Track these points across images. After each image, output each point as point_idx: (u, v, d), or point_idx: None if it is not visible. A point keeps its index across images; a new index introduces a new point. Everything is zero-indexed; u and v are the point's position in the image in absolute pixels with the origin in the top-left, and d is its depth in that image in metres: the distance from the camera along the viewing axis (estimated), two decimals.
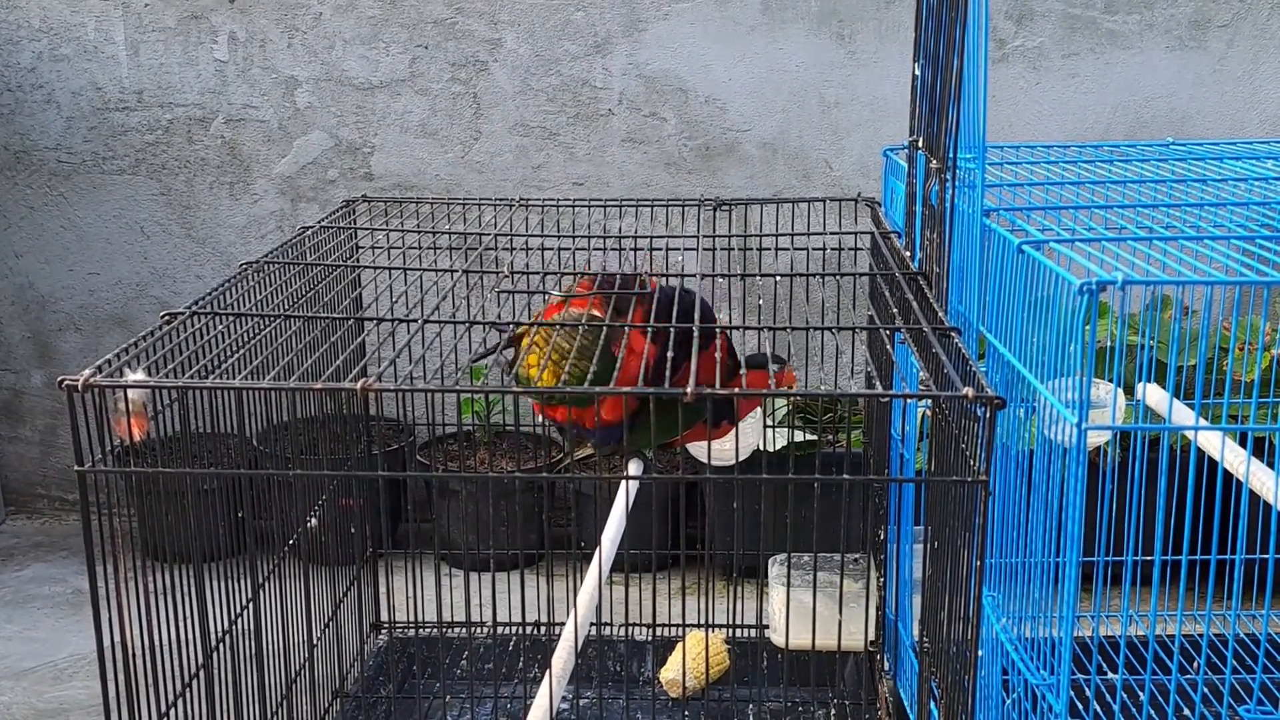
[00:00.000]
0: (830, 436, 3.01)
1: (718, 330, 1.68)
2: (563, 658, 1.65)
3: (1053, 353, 1.51)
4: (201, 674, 1.62)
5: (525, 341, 1.90)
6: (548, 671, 1.57)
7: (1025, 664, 1.57)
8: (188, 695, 1.59)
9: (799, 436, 2.84)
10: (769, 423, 2.72)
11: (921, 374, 1.68)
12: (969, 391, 1.38)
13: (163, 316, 1.57)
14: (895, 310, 1.70)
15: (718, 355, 1.78)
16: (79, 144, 3.07)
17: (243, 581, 1.63)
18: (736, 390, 1.43)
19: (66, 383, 1.36)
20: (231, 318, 1.60)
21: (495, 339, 1.63)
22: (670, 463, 3.05)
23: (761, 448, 2.37)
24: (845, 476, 1.42)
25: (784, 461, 2.64)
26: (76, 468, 1.38)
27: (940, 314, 1.66)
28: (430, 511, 3.08)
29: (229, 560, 1.65)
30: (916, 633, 1.97)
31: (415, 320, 1.60)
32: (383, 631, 2.52)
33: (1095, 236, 1.58)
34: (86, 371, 1.37)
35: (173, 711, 1.57)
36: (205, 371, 1.47)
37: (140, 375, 1.40)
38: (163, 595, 1.51)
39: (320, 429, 2.15)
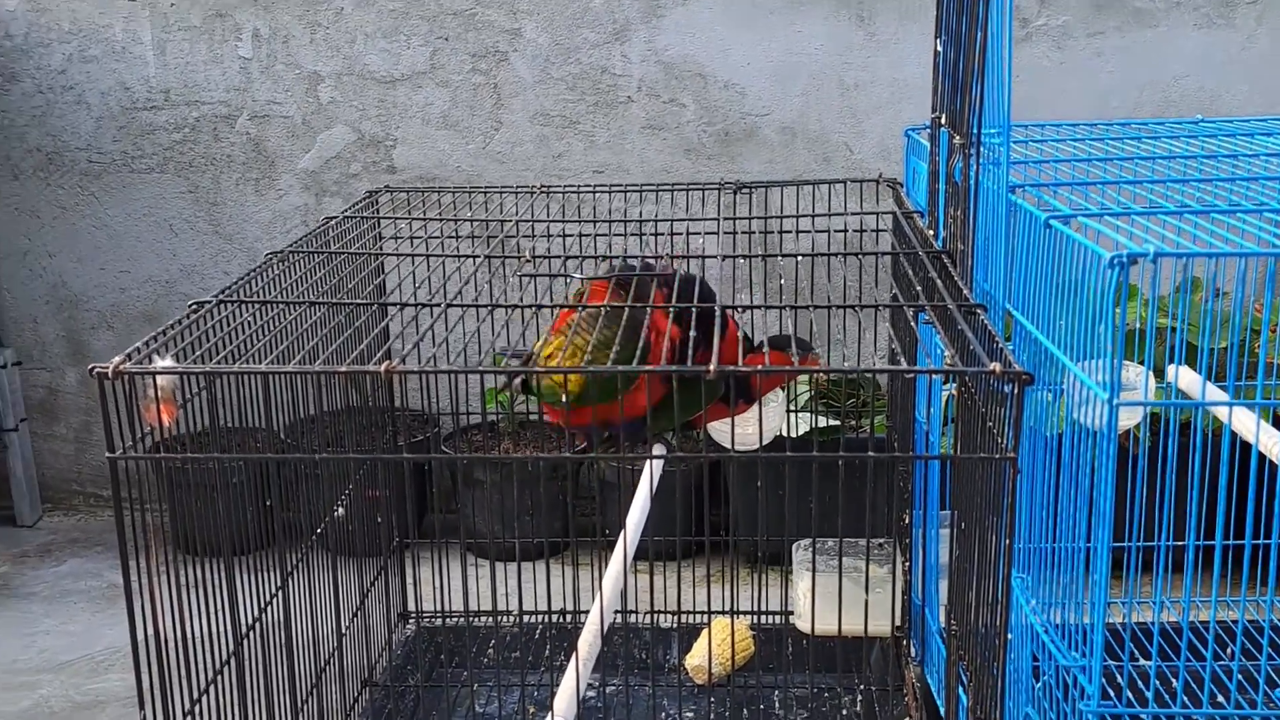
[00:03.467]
0: (853, 422, 3.01)
1: (728, 314, 1.67)
2: (589, 641, 1.64)
3: (1082, 329, 1.49)
4: (232, 661, 1.63)
5: (542, 354, 1.89)
6: (574, 655, 1.56)
7: (1056, 645, 1.56)
8: (219, 683, 1.60)
9: (822, 422, 2.83)
10: (791, 407, 2.71)
11: (947, 352, 1.67)
12: (996, 367, 1.37)
13: (190, 306, 1.57)
14: (919, 289, 1.69)
15: (739, 334, 1.78)
16: (108, 144, 3.09)
17: (272, 572, 1.64)
18: (759, 367, 1.42)
19: (97, 370, 1.37)
20: (257, 305, 1.61)
21: (517, 324, 1.62)
22: (693, 449, 3.04)
23: (784, 433, 2.37)
24: (870, 454, 1.42)
25: (807, 446, 2.63)
26: (108, 454, 1.38)
27: (965, 292, 1.64)
28: (455, 501, 3.08)
29: (258, 554, 1.66)
30: (943, 618, 1.96)
31: (438, 305, 1.60)
32: (410, 621, 2.53)
33: (1125, 210, 1.56)
34: (116, 359, 1.37)
35: (204, 700, 1.57)
36: (232, 358, 1.47)
37: (169, 362, 1.40)
38: (194, 588, 1.52)
39: (346, 420, 2.16)
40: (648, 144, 3.01)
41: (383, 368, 1.38)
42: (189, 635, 1.50)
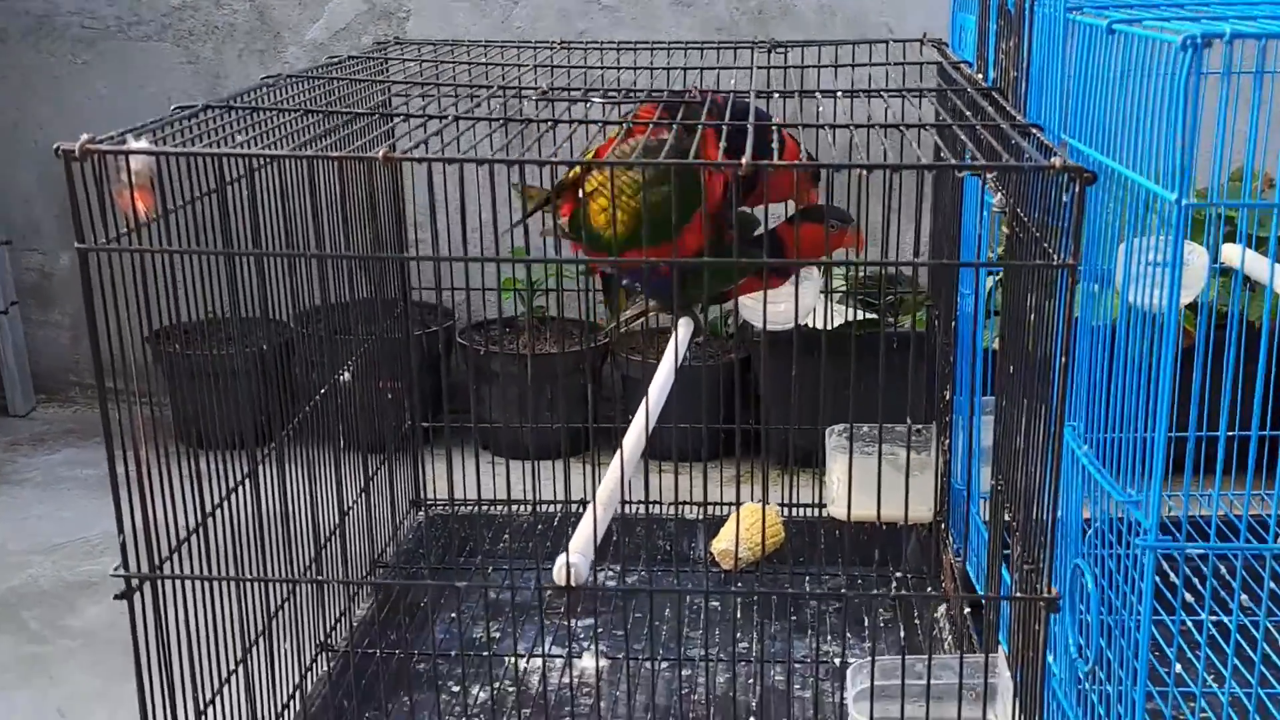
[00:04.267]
0: (892, 318, 2.87)
1: (785, 134, 1.52)
2: (609, 489, 1.53)
3: (1149, 133, 1.34)
4: (217, 515, 1.51)
5: (586, 188, 1.76)
6: (591, 502, 1.45)
7: (1109, 483, 1.43)
8: (197, 543, 1.48)
9: (858, 315, 2.70)
10: (826, 291, 2.57)
11: (996, 197, 1.53)
12: (1056, 160, 1.24)
13: (173, 109, 1.45)
14: (969, 113, 1.55)
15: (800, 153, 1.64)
16: (103, 8, 2.94)
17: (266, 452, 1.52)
18: (785, 165, 1.29)
19: (64, 149, 1.26)
20: (246, 112, 1.48)
21: (531, 138, 1.48)
22: (721, 346, 2.92)
23: (815, 324, 2.23)
24: (910, 260, 1.28)
25: (844, 340, 2.49)
26: (77, 245, 1.27)
27: (1018, 117, 1.51)
28: (471, 389, 2.96)
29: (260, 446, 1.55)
30: (985, 510, 1.83)
31: (446, 116, 1.47)
32: (422, 509, 2.42)
33: (1194, 16, 1.42)
34: (84, 136, 1.26)
35: (182, 552, 1.45)
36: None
37: (144, 144, 1.28)
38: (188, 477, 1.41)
39: (356, 310, 2.05)
40: (677, 22, 2.86)
41: (380, 154, 1.27)
42: (175, 479, 1.39)
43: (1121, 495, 1.40)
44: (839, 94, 1.66)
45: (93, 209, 1.27)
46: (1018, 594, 1.39)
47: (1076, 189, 1.23)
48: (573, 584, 1.37)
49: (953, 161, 1.33)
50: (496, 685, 1.88)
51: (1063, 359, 1.28)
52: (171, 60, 2.98)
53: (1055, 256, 1.29)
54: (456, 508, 2.39)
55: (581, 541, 1.43)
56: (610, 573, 2.23)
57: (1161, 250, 1.47)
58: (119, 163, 1.26)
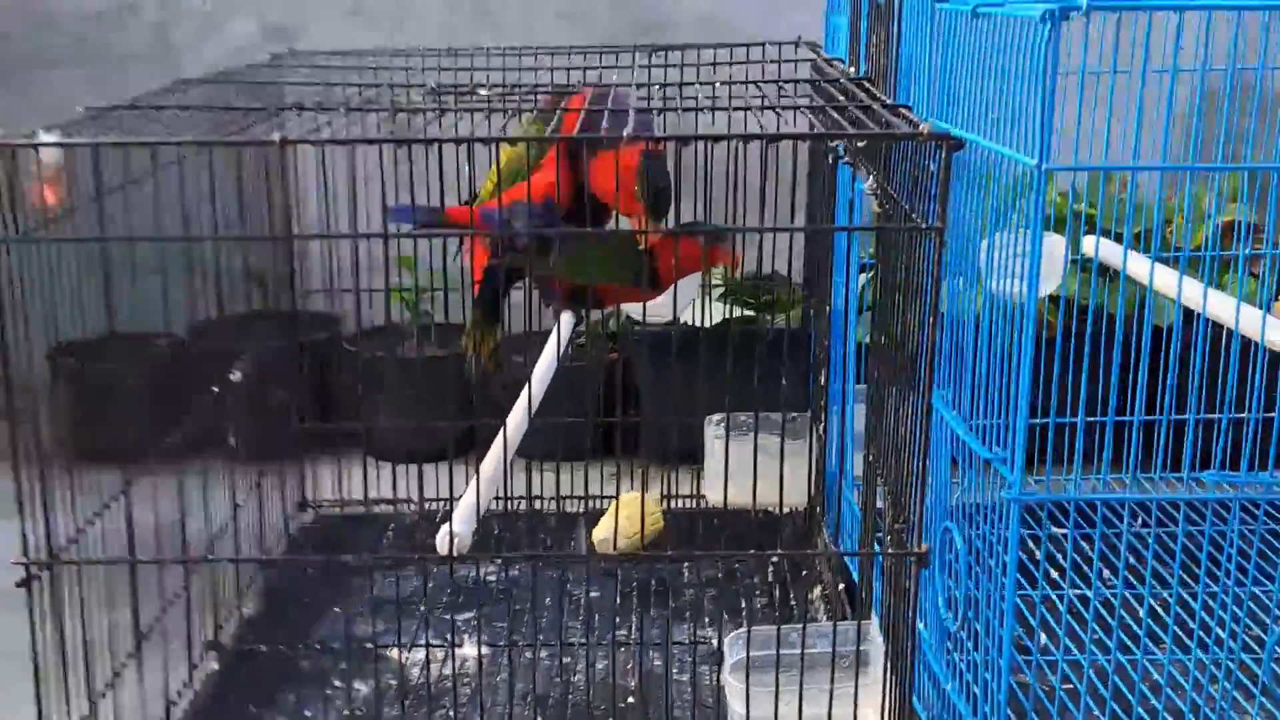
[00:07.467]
0: (768, 316, 2.95)
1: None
2: (493, 462, 1.57)
3: (1011, 105, 1.41)
4: (113, 506, 1.52)
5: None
6: (475, 476, 1.49)
7: (975, 442, 1.51)
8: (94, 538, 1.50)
9: (738, 312, 2.77)
10: (703, 291, 2.64)
11: (868, 183, 1.58)
12: (924, 128, 1.32)
13: (80, 109, 1.48)
14: (840, 96, 1.62)
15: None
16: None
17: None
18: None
19: None
20: (151, 109, 1.51)
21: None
22: (600, 347, 2.97)
23: (695, 321, 2.30)
24: (791, 226, 1.36)
25: (723, 335, 2.56)
26: None
27: (888, 100, 1.59)
28: (358, 398, 2.97)
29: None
30: (857, 496, 1.90)
31: (338, 109, 1.50)
32: (308, 510, 2.44)
33: None
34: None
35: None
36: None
37: (55, 137, 1.31)
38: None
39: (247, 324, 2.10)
40: (562, 35, 2.93)
41: (277, 138, 1.30)
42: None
43: (987, 453, 1.47)
44: (716, 84, 1.73)
45: (3, 207, 1.28)
46: (890, 551, 1.45)
47: (943, 155, 1.31)
48: (455, 553, 1.42)
49: (826, 130, 1.40)
50: (379, 679, 1.89)
51: (931, 318, 1.36)
52: (78, 84, 2.97)
53: (923, 222, 1.36)
54: (344, 509, 2.42)
55: (465, 511, 1.47)
56: (492, 567, 2.26)
57: (1022, 242, 1.56)
58: (30, 156, 1.29)
